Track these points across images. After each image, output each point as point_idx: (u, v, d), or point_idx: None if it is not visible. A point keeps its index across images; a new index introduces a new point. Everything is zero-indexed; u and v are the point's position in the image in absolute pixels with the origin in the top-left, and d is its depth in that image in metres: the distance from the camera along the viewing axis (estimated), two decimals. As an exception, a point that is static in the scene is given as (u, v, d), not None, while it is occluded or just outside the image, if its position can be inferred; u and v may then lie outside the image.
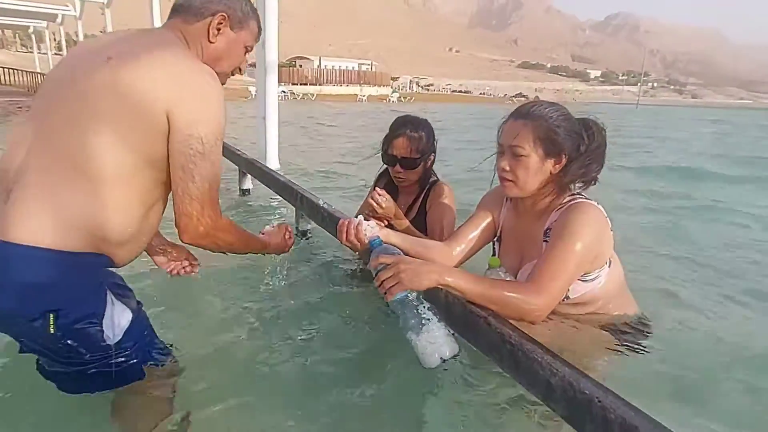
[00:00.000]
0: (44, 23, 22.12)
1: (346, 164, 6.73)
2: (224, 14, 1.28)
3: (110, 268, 1.21)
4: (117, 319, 1.15)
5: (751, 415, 1.44)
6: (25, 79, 23.73)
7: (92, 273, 1.13)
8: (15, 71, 25.05)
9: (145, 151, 1.11)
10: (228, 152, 4.07)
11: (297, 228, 2.95)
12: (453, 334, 1.31)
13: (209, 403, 1.40)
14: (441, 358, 1.27)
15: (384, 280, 1.27)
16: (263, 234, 1.59)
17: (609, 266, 1.49)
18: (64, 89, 1.14)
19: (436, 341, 1.27)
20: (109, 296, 1.15)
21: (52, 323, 1.06)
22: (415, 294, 1.29)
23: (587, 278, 1.45)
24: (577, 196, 1.48)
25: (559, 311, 1.53)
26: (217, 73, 1.29)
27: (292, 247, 1.67)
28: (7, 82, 24.32)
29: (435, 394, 1.48)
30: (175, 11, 1.29)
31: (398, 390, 1.50)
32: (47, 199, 1.06)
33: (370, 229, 1.49)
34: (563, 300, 1.46)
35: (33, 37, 28.04)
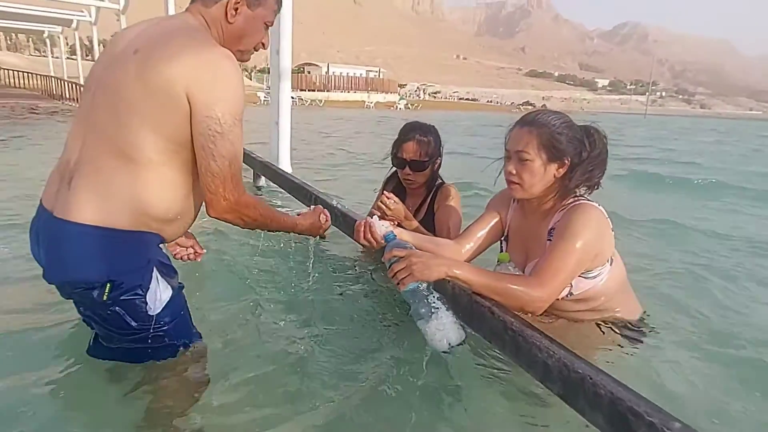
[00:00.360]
0: (59, 28, 22.52)
1: (355, 166, 6.87)
2: None
3: (161, 245, 1.33)
4: (159, 294, 1.27)
5: (747, 416, 1.49)
6: (38, 82, 24.14)
7: (143, 249, 1.25)
8: (28, 74, 25.49)
9: (175, 135, 1.21)
10: (242, 155, 4.20)
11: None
12: (460, 322, 1.42)
13: (222, 392, 1.49)
14: (449, 343, 1.38)
15: (397, 272, 1.38)
16: (298, 215, 1.66)
17: (610, 264, 1.58)
18: (103, 84, 1.25)
19: (444, 328, 1.38)
20: (155, 272, 1.27)
21: (107, 292, 1.19)
22: (425, 285, 1.40)
23: (589, 275, 1.54)
24: (580, 198, 1.58)
25: (562, 307, 1.63)
26: (240, 51, 1.39)
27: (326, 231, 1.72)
28: (20, 85, 24.71)
29: (439, 381, 1.58)
30: None
31: (407, 378, 1.60)
32: (101, 185, 1.19)
33: (384, 227, 1.60)
34: (567, 296, 1.56)
35: (47, 41, 28.52)
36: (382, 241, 1.57)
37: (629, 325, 1.69)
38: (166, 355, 1.34)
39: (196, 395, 1.41)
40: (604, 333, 1.65)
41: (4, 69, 27.65)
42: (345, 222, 2.20)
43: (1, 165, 5.48)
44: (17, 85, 24.92)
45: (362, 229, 1.64)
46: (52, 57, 30.41)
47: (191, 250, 1.71)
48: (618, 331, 1.66)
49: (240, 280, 2.36)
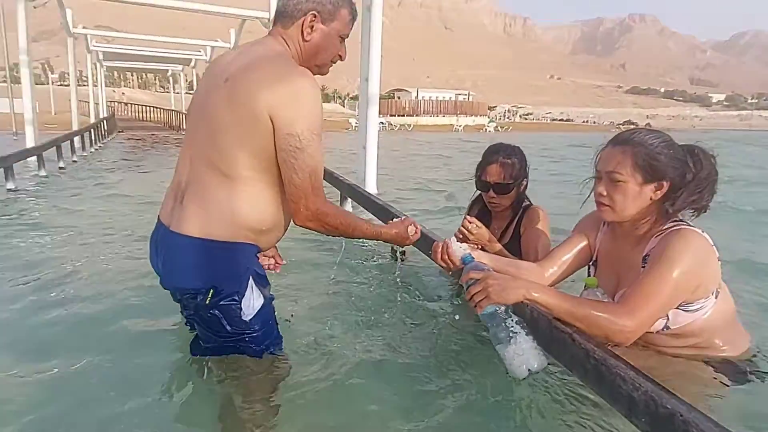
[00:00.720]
0: (180, 67, 25.51)
1: (439, 189, 6.89)
2: (314, 12, 1.41)
3: (257, 254, 1.45)
4: (252, 302, 1.40)
5: None
6: (161, 115, 27.58)
7: (241, 258, 1.39)
8: (154, 109, 29.17)
9: (263, 153, 1.33)
10: (331, 178, 4.42)
11: (392, 248, 3.12)
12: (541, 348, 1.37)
13: (293, 400, 1.56)
14: (528, 369, 1.33)
15: (474, 294, 1.37)
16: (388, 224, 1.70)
17: (716, 297, 1.44)
18: (201, 111, 1.41)
19: (523, 353, 1.34)
20: (251, 281, 1.40)
21: (209, 297, 1.34)
22: (503, 308, 1.37)
23: (689, 308, 1.41)
24: (680, 222, 1.46)
25: (657, 342, 1.50)
26: (317, 66, 1.49)
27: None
28: (147, 119, 28.36)
29: (517, 407, 1.52)
30: (276, 18, 1.47)
31: (483, 402, 1.56)
32: (205, 202, 1.35)
33: (462, 249, 1.60)
34: (663, 329, 1.44)
35: (170, 79, 32.39)
36: (459, 263, 1.57)
37: (735, 365, 1.52)
38: (257, 355, 1.46)
39: (272, 398, 1.50)
40: (704, 371, 1.49)
41: (135, 104, 31.91)
42: (425, 243, 2.23)
43: (128, 185, 6.29)
44: (145, 118, 28.62)
45: (439, 250, 1.65)
46: (174, 93, 34.39)
47: (272, 261, 1.80)
48: (721, 370, 1.49)
49: (318, 294, 2.47)
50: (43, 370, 1.72)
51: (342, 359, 1.81)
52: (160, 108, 29.53)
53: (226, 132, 1.32)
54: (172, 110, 27.23)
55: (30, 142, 8.04)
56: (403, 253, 3.09)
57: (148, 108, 30.09)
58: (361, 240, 3.54)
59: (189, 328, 1.68)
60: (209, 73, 1.48)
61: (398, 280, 2.76)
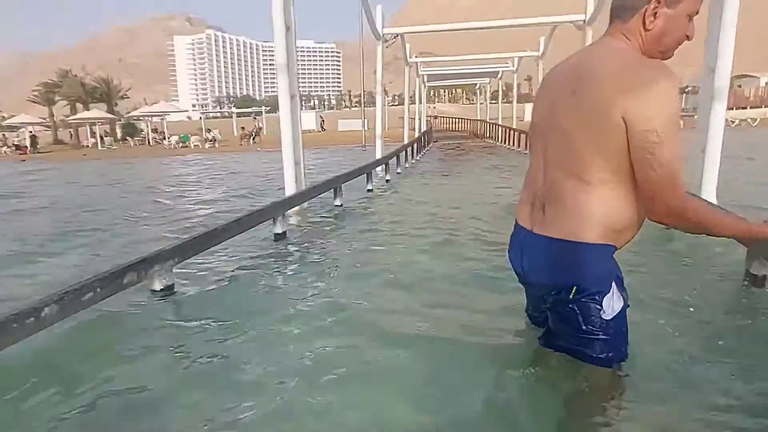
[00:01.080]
0: (487, 80, 27.40)
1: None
2: None
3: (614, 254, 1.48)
4: (613, 302, 1.44)
5: None
6: (466, 125, 30.45)
7: (605, 259, 1.45)
8: (460, 120, 32.48)
9: (617, 154, 1.34)
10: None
11: (747, 271, 2.63)
12: None
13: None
14: None
15: None
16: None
17: None
18: (551, 124, 1.49)
19: None
20: (614, 284, 1.44)
21: (572, 294, 1.44)
22: None
23: None
24: None
25: None
26: (661, 52, 1.41)
27: None
28: (454, 129, 31.79)
29: None
30: (613, 16, 1.45)
31: None
32: (566, 206, 1.45)
33: None
34: None
35: (477, 91, 35.17)
36: None
37: None
38: (602, 363, 1.49)
39: (615, 407, 1.51)
40: None
41: (445, 117, 36.25)
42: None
43: (443, 187, 7.22)
44: (453, 129, 32.16)
45: None
46: (479, 104, 37.22)
47: None
48: None
49: (657, 312, 2.28)
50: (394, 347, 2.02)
51: (690, 395, 1.65)
52: (466, 119, 32.61)
53: (579, 140, 1.39)
54: (477, 120, 29.56)
55: (378, 153, 10.11)
56: (756, 278, 2.57)
57: (455, 120, 33.71)
58: (707, 253, 3.13)
59: (532, 322, 1.84)
60: (550, 83, 1.56)
61: (755, 308, 2.32)
